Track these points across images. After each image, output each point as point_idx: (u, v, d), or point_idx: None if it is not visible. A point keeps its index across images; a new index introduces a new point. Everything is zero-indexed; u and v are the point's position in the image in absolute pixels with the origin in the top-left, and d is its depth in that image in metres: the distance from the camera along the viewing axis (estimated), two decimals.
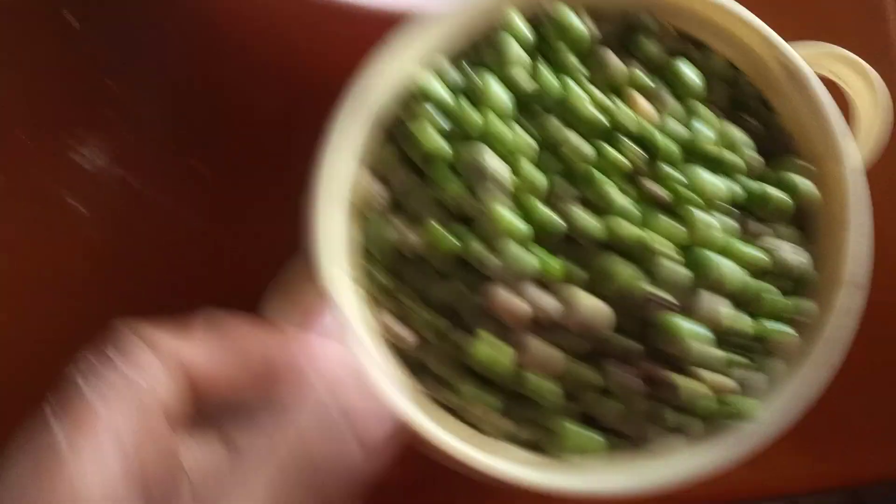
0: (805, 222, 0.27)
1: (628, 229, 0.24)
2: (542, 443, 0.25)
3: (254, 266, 0.28)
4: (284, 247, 0.26)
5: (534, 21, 0.26)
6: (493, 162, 0.24)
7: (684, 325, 0.24)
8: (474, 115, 0.25)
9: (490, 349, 0.24)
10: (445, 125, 0.25)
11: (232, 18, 0.36)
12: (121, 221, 0.34)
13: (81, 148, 0.35)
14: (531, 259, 0.24)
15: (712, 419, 0.25)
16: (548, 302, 0.24)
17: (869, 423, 0.34)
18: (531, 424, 0.25)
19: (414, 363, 0.25)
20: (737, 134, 0.26)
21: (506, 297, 0.24)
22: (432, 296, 0.25)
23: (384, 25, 0.26)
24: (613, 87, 0.26)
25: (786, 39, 0.26)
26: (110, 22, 0.35)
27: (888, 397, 0.34)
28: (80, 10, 0.35)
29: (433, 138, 0.25)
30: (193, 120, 0.35)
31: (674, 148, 0.25)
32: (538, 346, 0.24)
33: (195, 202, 0.34)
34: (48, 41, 0.35)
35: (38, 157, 0.34)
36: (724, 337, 0.25)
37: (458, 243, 0.24)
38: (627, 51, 0.27)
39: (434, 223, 0.24)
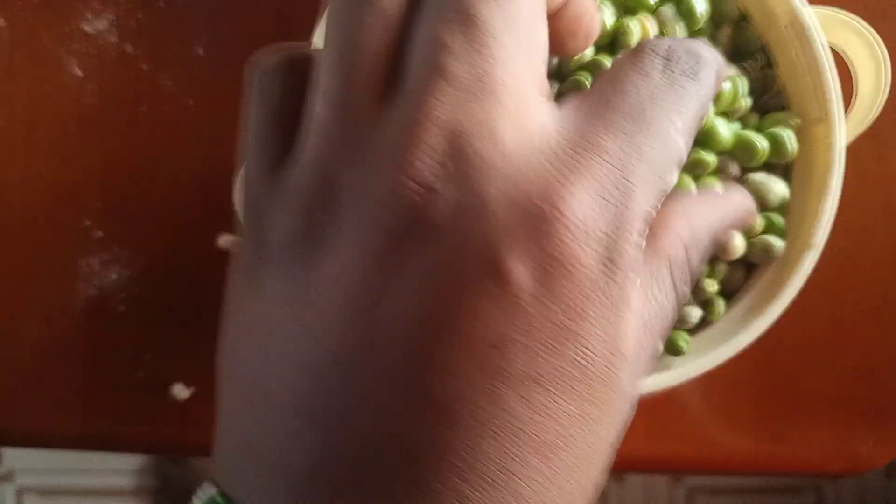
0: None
1: None
2: None
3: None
4: None
5: None
6: None
7: None
8: None
9: None
10: None
11: None
12: (116, 88, 0.35)
13: (89, 13, 0.35)
14: None
15: None
16: None
17: (834, 414, 0.35)
18: None
19: None
20: (736, 76, 0.26)
21: None
22: None
23: None
24: (626, 6, 0.26)
25: None
26: None
27: (855, 390, 0.35)
28: None
29: None
30: (204, 6, 0.35)
31: None
32: None
33: (192, 85, 0.35)
34: None
35: (46, 16, 0.35)
36: None
37: None
38: None
39: None
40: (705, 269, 0.26)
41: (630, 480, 0.85)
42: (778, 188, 0.25)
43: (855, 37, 0.27)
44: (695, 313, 0.26)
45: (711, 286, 0.26)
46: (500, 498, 0.15)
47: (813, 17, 0.26)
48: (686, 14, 0.26)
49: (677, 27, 0.26)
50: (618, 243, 0.16)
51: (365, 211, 0.16)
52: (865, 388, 0.35)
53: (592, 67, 0.25)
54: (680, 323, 0.25)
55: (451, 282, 0.15)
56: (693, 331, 0.26)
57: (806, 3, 0.26)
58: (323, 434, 0.16)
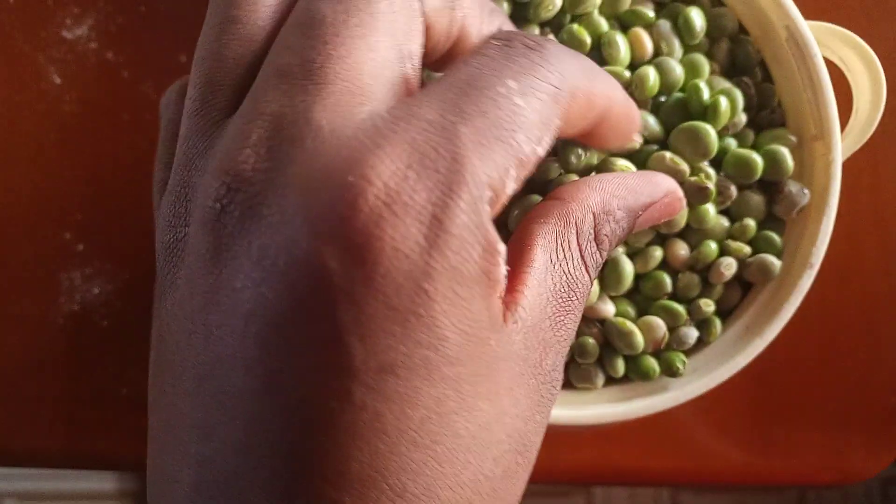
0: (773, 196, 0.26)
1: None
2: None
3: None
4: None
5: None
6: None
7: None
8: None
9: None
10: None
11: None
12: (97, 96, 0.34)
13: (68, 20, 0.34)
14: None
15: (635, 363, 0.25)
16: None
17: (825, 426, 0.34)
18: None
19: None
20: (732, 90, 0.25)
21: None
22: None
23: None
24: (622, 20, 0.26)
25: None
26: None
27: (846, 402, 0.34)
28: None
29: None
30: (186, 12, 0.34)
31: (654, 85, 0.24)
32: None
33: None
34: None
35: (25, 22, 0.34)
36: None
37: None
38: None
39: None
40: (699, 288, 0.26)
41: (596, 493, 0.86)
42: None
43: (852, 51, 0.27)
44: (692, 334, 0.25)
45: (708, 306, 0.25)
46: (382, 500, 0.14)
47: (810, 32, 0.26)
48: (684, 28, 0.26)
49: (675, 42, 0.26)
50: (446, 210, 0.15)
51: (197, 213, 0.16)
52: (856, 400, 0.35)
53: None
54: (677, 344, 0.25)
55: (272, 278, 0.15)
56: (690, 352, 0.26)
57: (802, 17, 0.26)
58: (200, 446, 0.15)
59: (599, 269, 0.19)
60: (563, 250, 0.18)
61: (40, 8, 0.34)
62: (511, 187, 0.16)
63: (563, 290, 0.17)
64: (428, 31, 0.18)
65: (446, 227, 0.15)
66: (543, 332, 0.17)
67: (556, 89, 0.17)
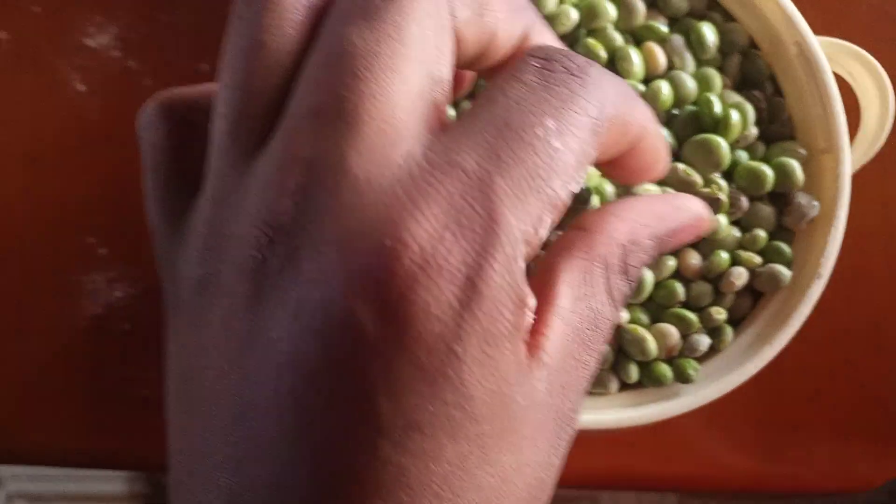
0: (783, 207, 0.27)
1: None
2: None
3: None
4: None
5: None
6: None
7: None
8: None
9: None
10: None
11: None
12: (119, 104, 0.34)
13: (91, 28, 0.34)
14: None
15: (649, 369, 0.26)
16: None
17: (833, 434, 0.35)
18: None
19: None
20: (743, 104, 0.26)
21: None
22: None
23: None
24: (636, 34, 0.26)
25: None
26: None
27: (854, 410, 0.35)
28: None
29: None
30: (206, 22, 0.35)
31: (667, 99, 0.25)
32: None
33: None
34: None
35: (49, 30, 0.34)
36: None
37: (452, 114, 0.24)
38: (657, 6, 0.27)
39: None
40: (711, 296, 0.26)
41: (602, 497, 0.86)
42: None
43: (860, 67, 0.27)
44: (704, 341, 0.26)
45: (719, 314, 0.26)
46: None
47: (819, 47, 0.26)
48: (696, 43, 0.26)
49: (687, 56, 0.26)
50: (480, 272, 0.15)
51: (234, 257, 0.16)
52: (864, 408, 0.35)
53: None
54: (689, 351, 0.26)
55: (307, 333, 0.15)
56: (702, 359, 0.26)
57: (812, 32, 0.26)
58: (231, 478, 0.16)
59: (626, 299, 0.18)
60: (589, 286, 0.17)
61: (64, 16, 0.35)
62: (545, 233, 0.16)
63: (588, 328, 0.17)
64: (458, 44, 0.17)
65: (479, 290, 0.15)
66: (566, 375, 0.17)
67: (595, 121, 0.16)
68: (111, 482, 0.92)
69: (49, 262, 0.34)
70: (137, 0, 0.35)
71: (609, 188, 0.25)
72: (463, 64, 0.18)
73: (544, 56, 0.17)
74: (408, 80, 0.16)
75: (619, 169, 0.19)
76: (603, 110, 0.16)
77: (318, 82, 0.16)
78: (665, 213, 0.19)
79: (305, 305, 0.15)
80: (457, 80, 0.20)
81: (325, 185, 0.15)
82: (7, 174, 0.34)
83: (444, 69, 0.16)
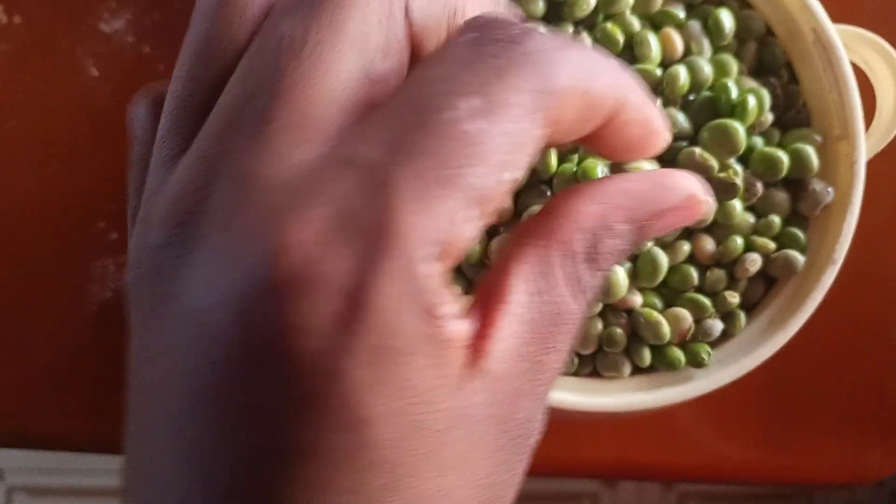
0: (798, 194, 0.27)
1: None
2: None
3: None
4: None
5: None
6: None
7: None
8: None
9: None
10: None
11: None
12: (132, 89, 0.34)
13: (106, 13, 0.35)
14: None
15: (662, 353, 0.26)
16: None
17: (841, 425, 0.35)
18: None
19: None
20: (759, 90, 0.26)
21: None
22: None
23: None
24: (653, 20, 0.26)
25: None
26: None
27: (861, 402, 0.35)
28: None
29: None
30: None
31: (684, 84, 0.25)
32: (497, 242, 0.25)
33: None
34: None
35: (63, 14, 0.34)
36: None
37: None
38: None
39: None
40: (725, 282, 0.26)
41: (622, 486, 0.86)
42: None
43: (876, 55, 0.27)
44: (717, 326, 0.26)
45: (733, 297, 0.26)
46: None
47: (836, 34, 0.26)
48: (713, 29, 0.26)
49: (704, 42, 0.26)
50: (364, 283, 0.13)
51: (146, 259, 0.15)
52: (872, 399, 0.35)
53: None
54: (703, 335, 0.26)
55: (190, 348, 0.14)
56: (715, 343, 0.26)
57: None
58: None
59: (596, 291, 0.16)
60: (548, 278, 0.15)
61: (79, 1, 0.35)
62: (470, 230, 0.14)
63: (546, 325, 0.15)
64: (417, 37, 0.15)
65: (363, 304, 0.13)
66: (517, 380, 0.15)
67: (539, 93, 0.14)
68: (111, 476, 0.91)
69: (59, 247, 0.34)
70: None
71: (601, 170, 0.25)
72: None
73: (479, 24, 0.15)
74: (334, 68, 0.14)
75: (602, 146, 0.17)
76: (551, 81, 0.14)
77: (240, 78, 0.15)
78: (646, 192, 0.17)
79: (188, 318, 0.14)
80: None
81: (222, 186, 0.14)
82: (19, 158, 0.34)
83: (383, 64, 0.15)
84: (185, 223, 0.14)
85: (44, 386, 0.34)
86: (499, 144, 0.14)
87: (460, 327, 0.14)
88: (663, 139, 0.17)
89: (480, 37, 0.14)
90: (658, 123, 0.17)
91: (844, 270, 0.26)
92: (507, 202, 0.25)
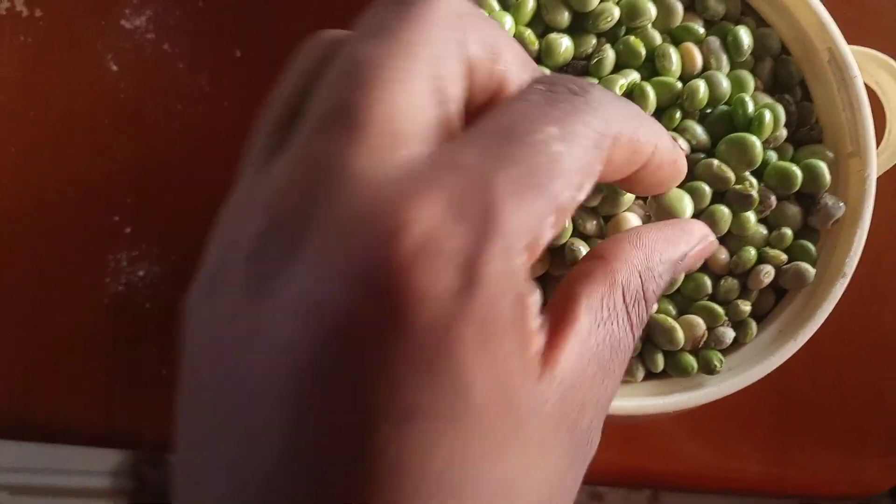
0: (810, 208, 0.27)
1: None
2: None
3: None
4: None
5: None
6: None
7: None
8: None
9: None
10: None
11: None
12: (152, 85, 0.35)
13: (128, 9, 0.35)
14: None
15: (675, 359, 0.26)
16: None
17: (842, 438, 0.36)
18: None
19: None
20: (775, 105, 0.27)
21: None
22: None
23: None
24: (674, 35, 0.27)
25: None
26: None
27: (862, 415, 0.36)
28: None
29: None
30: (244, 7, 0.35)
31: (703, 97, 0.26)
32: None
33: (228, 86, 0.35)
34: None
35: (84, 9, 0.35)
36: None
37: None
38: (695, 10, 0.28)
39: None
40: (738, 291, 0.27)
41: (609, 497, 0.86)
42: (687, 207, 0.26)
43: (888, 76, 0.28)
44: (729, 334, 0.26)
45: (745, 306, 0.27)
46: None
47: (848, 50, 0.27)
48: (732, 45, 0.27)
49: (723, 58, 0.27)
50: (478, 257, 0.15)
51: (243, 244, 0.16)
52: (872, 412, 0.36)
53: (637, 95, 0.26)
54: (715, 343, 0.26)
55: (305, 319, 0.15)
56: (726, 351, 0.27)
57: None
58: (231, 473, 0.16)
59: (644, 325, 0.19)
60: (609, 310, 0.18)
61: None
62: (549, 234, 0.16)
63: (605, 351, 0.17)
64: (469, 77, 0.18)
65: (477, 275, 0.15)
66: (583, 392, 0.17)
67: (599, 135, 0.17)
68: (96, 477, 0.91)
69: (75, 239, 0.34)
70: None
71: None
72: (469, 108, 0.18)
73: (549, 80, 0.18)
74: (413, 91, 0.16)
75: (636, 185, 0.20)
76: (608, 126, 0.17)
77: (329, 90, 0.17)
78: (674, 237, 0.20)
79: (303, 292, 0.15)
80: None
81: (328, 181, 0.16)
82: (39, 150, 0.34)
83: (454, 89, 0.17)
84: (291, 211, 0.16)
85: (53, 376, 0.34)
86: (574, 165, 0.16)
87: (541, 325, 0.16)
88: (683, 172, 0.21)
89: (553, 87, 0.17)
90: (682, 162, 0.21)
91: (849, 283, 0.27)
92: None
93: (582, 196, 0.17)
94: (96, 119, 0.35)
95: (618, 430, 0.34)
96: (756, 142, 0.26)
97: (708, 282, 0.26)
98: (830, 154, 0.27)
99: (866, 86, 0.29)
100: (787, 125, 0.27)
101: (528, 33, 0.26)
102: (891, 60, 0.28)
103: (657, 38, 0.27)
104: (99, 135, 0.35)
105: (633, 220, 0.25)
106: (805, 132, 0.28)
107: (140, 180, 0.35)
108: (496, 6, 0.26)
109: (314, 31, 0.35)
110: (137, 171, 0.35)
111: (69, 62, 0.35)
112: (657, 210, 0.25)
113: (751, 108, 0.26)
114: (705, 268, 0.27)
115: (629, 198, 0.25)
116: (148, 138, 0.35)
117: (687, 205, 0.25)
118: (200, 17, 0.35)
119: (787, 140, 0.28)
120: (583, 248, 0.25)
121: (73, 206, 0.34)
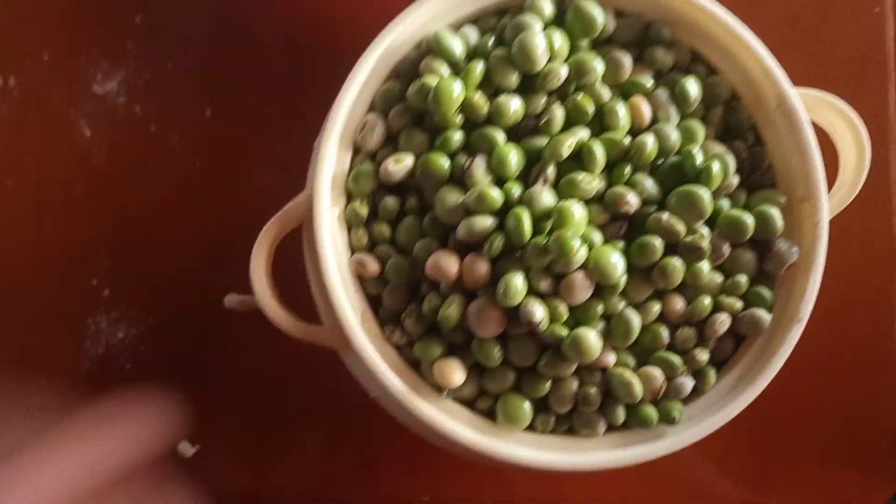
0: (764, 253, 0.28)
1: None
2: (492, 411, 0.27)
3: (248, 208, 0.30)
4: (273, 204, 0.27)
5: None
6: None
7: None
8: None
9: (436, 301, 0.26)
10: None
11: None
12: (124, 148, 0.36)
13: (99, 75, 0.36)
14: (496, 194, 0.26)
15: (635, 411, 0.27)
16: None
17: (823, 465, 0.36)
18: (485, 394, 0.27)
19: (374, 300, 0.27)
20: (724, 155, 0.27)
21: (442, 258, 0.26)
22: (399, 236, 0.27)
23: None
24: (623, 89, 0.28)
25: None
26: None
27: (842, 442, 0.36)
28: None
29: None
30: (213, 67, 0.36)
31: (652, 152, 0.27)
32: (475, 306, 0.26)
33: (200, 145, 0.36)
34: None
35: (56, 77, 0.36)
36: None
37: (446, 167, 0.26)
38: (643, 61, 0.28)
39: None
40: (695, 340, 0.27)
41: None
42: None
43: (839, 118, 0.28)
44: (688, 384, 0.27)
45: (703, 355, 0.27)
46: None
47: (799, 99, 0.28)
48: (680, 97, 0.27)
49: (671, 109, 0.27)
50: None
51: None
52: (852, 440, 0.36)
53: (585, 153, 0.26)
54: (674, 393, 0.27)
55: None
56: (686, 400, 0.27)
57: (792, 85, 0.28)
58: None
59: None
60: None
61: (72, 63, 0.36)
62: None
63: None
64: None
65: None
66: None
67: None
68: None
69: (53, 304, 0.35)
70: (144, 46, 0.36)
71: (596, 237, 0.26)
72: None
73: None
74: None
75: None
76: None
77: None
78: None
79: None
80: None
81: None
82: (15, 217, 0.35)
83: None
84: None
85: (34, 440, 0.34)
86: None
87: None
88: None
89: None
90: None
91: (820, 314, 0.27)
92: (484, 268, 0.26)
93: None
94: (71, 184, 0.35)
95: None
96: (705, 194, 0.26)
97: (664, 332, 0.27)
98: (783, 199, 0.28)
99: (820, 127, 0.29)
100: (739, 171, 0.28)
101: (478, 96, 0.26)
102: (841, 103, 0.28)
103: (606, 93, 0.27)
104: (74, 199, 0.35)
105: (580, 280, 0.25)
106: (758, 177, 0.28)
107: (116, 243, 0.35)
108: (446, 73, 0.27)
109: (283, 85, 0.36)
110: (113, 233, 0.35)
111: (43, 129, 0.36)
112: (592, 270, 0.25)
113: (699, 159, 0.26)
114: (662, 318, 0.27)
115: (581, 256, 0.25)
116: (122, 201, 0.36)
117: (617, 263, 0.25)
118: (170, 78, 0.36)
119: (740, 185, 0.28)
120: (538, 307, 0.25)
121: (51, 270, 0.35)
